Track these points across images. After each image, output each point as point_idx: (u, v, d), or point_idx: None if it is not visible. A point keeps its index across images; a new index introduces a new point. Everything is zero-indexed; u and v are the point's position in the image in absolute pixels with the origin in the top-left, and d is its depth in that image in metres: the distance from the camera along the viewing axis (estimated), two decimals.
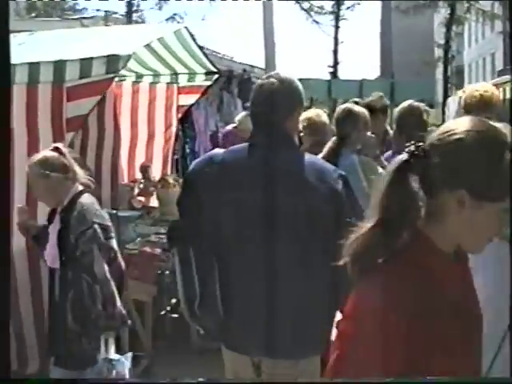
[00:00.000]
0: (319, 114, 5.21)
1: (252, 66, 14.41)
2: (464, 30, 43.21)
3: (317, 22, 31.42)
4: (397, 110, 4.96)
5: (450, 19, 30.15)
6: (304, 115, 4.80)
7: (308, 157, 2.78)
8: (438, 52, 37.63)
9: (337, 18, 31.86)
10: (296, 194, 2.58)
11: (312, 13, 31.16)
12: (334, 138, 4.32)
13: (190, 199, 2.78)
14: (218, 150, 2.85)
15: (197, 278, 2.66)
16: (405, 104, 4.90)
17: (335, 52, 31.61)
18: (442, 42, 32.54)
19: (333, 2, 31.50)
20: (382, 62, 30.19)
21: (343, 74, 32.07)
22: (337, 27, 31.76)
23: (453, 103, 11.45)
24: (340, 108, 4.46)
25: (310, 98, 26.37)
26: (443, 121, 29.21)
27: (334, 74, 30.84)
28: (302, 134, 4.88)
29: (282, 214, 2.58)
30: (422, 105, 4.88)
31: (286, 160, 2.66)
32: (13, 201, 4.15)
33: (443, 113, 29.24)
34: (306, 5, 30.89)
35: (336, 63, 31.51)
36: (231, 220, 2.67)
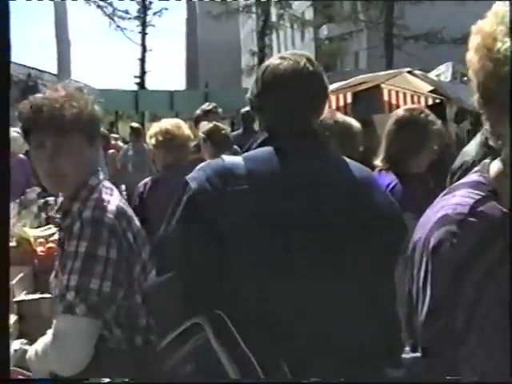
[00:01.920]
0: (179, 124, 4.44)
1: (40, 71, 11.22)
2: (272, 39, 42.82)
3: (121, 28, 29.25)
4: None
5: (264, 26, 29.00)
6: (157, 127, 4.38)
7: (345, 159, 2.09)
8: (247, 60, 36.68)
9: (143, 24, 30.12)
10: (359, 209, 1.94)
11: (116, 18, 28.94)
12: None
13: (205, 239, 1.83)
14: (229, 159, 1.92)
15: (254, 359, 1.75)
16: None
17: (142, 60, 29.56)
18: (255, 49, 31.49)
19: (138, 7, 29.55)
20: (188, 72, 28.77)
21: (151, 85, 30.32)
22: (144, 34, 29.93)
23: None
24: None
25: (116, 112, 24.11)
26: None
27: (141, 85, 28.65)
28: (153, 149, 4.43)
29: (351, 240, 1.92)
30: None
31: (332, 166, 2.03)
32: None
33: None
34: (109, 9, 28.59)
35: (143, 73, 29.46)
36: (284, 260, 1.86)
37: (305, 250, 1.88)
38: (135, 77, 29.78)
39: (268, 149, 1.96)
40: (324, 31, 35.55)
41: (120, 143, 13.20)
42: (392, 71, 8.68)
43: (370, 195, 1.98)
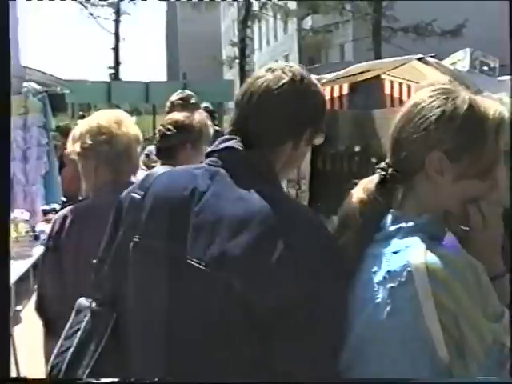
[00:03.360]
0: (119, 118, 2.82)
1: None
2: (254, 32, 41.64)
3: (94, 16, 28.01)
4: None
5: (246, 15, 27.70)
6: (85, 124, 2.81)
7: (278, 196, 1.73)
8: (228, 52, 35.61)
9: (117, 12, 28.90)
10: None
11: (88, 4, 27.55)
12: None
13: (108, 240, 1.94)
14: (160, 168, 2.19)
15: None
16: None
17: (116, 50, 28.14)
18: (236, 40, 30.26)
19: None
20: (169, 64, 28.19)
21: (126, 76, 29.19)
22: (117, 22, 28.54)
23: None
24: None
25: (87, 104, 22.64)
26: None
27: (115, 76, 27.34)
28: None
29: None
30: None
31: (241, 201, 1.67)
32: None
33: None
34: None
35: (117, 63, 28.02)
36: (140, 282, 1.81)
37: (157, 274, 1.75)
38: (109, 68, 28.48)
39: (201, 165, 1.87)
40: (308, 22, 34.23)
41: None
42: (400, 58, 7.27)
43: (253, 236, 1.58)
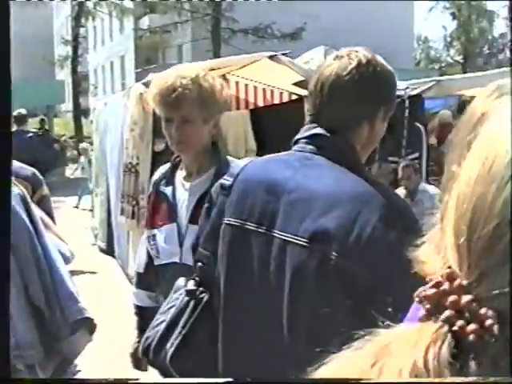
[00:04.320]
0: None
1: None
2: (88, 31, 40.08)
3: None
4: None
5: (80, 11, 26.35)
6: None
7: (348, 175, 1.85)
8: (61, 51, 33.96)
9: None
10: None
11: None
12: None
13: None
14: (242, 161, 2.13)
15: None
16: None
17: None
18: (69, 38, 28.76)
19: None
20: None
21: None
22: None
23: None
24: None
25: None
26: (78, 130, 26.20)
27: None
28: None
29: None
30: None
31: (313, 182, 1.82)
32: None
33: (76, 120, 25.97)
34: None
35: None
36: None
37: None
38: None
39: (285, 152, 2.00)
40: (145, 22, 33.29)
41: None
42: (249, 55, 6.58)
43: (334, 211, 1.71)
